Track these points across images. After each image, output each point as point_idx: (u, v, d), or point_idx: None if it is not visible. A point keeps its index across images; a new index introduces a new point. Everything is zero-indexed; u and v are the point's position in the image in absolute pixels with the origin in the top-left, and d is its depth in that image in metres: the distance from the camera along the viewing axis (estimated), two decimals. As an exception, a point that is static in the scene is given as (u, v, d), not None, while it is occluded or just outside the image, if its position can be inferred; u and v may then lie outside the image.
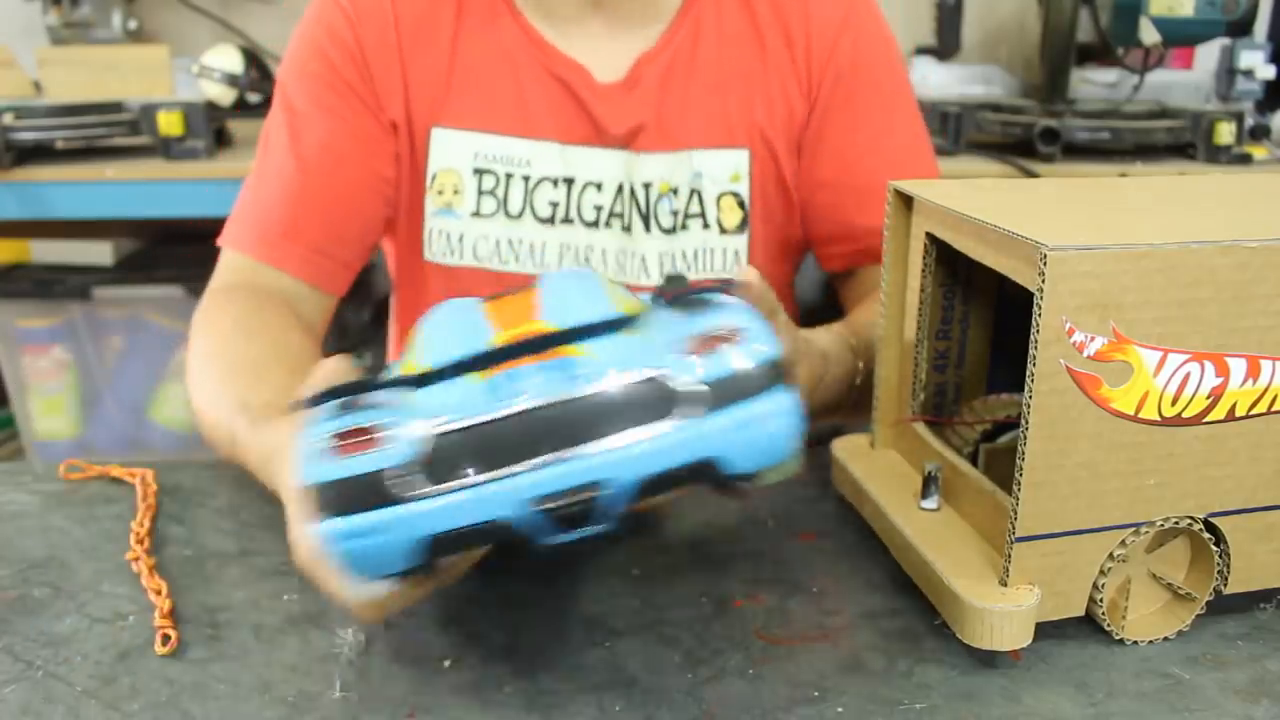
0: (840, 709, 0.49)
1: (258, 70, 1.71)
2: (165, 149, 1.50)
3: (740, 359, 0.40)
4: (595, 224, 0.88)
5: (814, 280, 1.18)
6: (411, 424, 0.39)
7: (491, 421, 0.39)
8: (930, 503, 0.60)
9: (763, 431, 0.41)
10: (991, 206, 0.55)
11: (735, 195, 0.88)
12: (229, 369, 0.70)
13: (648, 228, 0.88)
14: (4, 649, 0.53)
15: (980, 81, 1.83)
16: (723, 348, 0.41)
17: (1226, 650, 0.54)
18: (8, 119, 1.45)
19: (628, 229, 0.89)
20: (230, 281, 0.84)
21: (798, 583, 0.60)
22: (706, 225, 0.89)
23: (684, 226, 0.88)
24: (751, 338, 0.41)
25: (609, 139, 0.87)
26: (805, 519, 0.67)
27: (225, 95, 1.66)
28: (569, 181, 0.88)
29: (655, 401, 0.39)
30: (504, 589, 0.59)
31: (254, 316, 0.78)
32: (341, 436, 0.39)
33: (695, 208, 0.88)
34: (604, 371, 0.40)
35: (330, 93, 0.87)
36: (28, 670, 0.52)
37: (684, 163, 0.88)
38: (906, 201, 0.62)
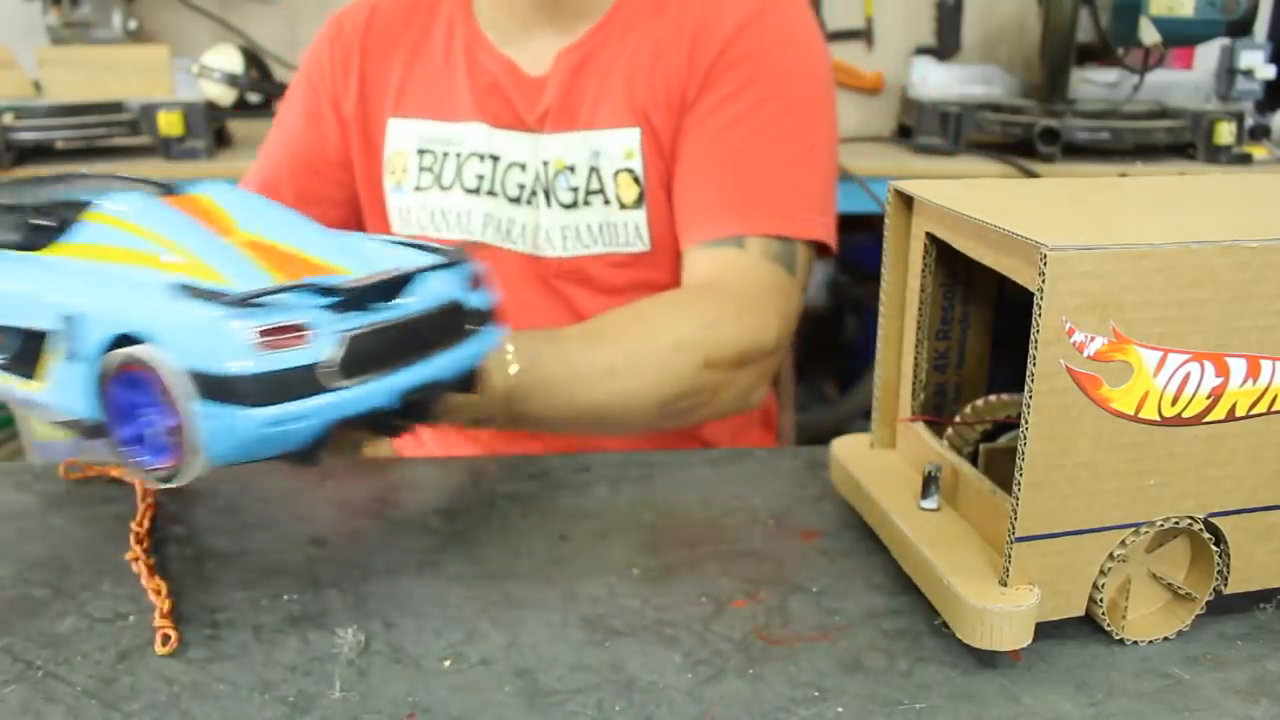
0: (840, 709, 0.49)
1: (258, 70, 1.72)
2: (165, 149, 1.51)
3: (491, 295, 0.56)
4: (518, 200, 0.98)
5: (816, 281, 1.18)
6: (326, 325, 0.46)
7: (384, 327, 0.49)
8: (930, 503, 0.60)
9: (494, 346, 0.58)
10: (991, 206, 0.55)
11: (630, 172, 0.95)
12: None
13: (549, 203, 0.97)
14: (4, 649, 0.53)
15: (980, 81, 1.84)
16: (483, 286, 0.56)
17: (1226, 650, 0.54)
18: (8, 119, 1.45)
19: (535, 206, 0.97)
20: None
21: (798, 583, 0.60)
22: (607, 201, 0.96)
23: (586, 203, 0.96)
24: (488, 283, 0.57)
25: (527, 124, 0.98)
26: (805, 519, 0.67)
27: (225, 95, 1.66)
28: (495, 158, 0.98)
29: (462, 319, 0.54)
30: (504, 589, 0.59)
31: None
32: (272, 332, 0.45)
33: (595, 185, 0.96)
34: (434, 294, 0.52)
35: (301, 101, 1.06)
36: (28, 670, 0.52)
37: (583, 142, 0.95)
38: (906, 201, 0.63)
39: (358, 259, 0.53)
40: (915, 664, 0.52)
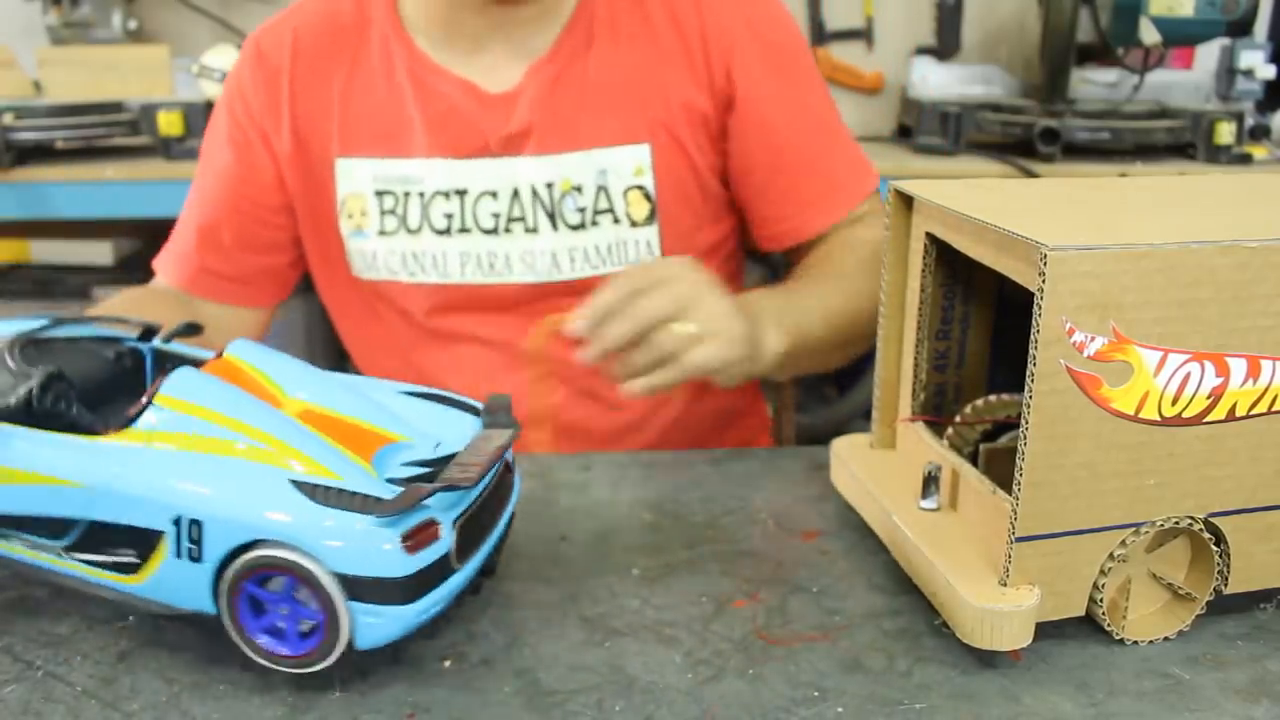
0: (840, 709, 0.49)
1: (258, 70, 1.71)
2: (165, 149, 1.51)
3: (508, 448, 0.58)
4: (495, 231, 0.93)
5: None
6: (446, 516, 0.50)
7: (480, 505, 0.53)
8: (930, 503, 0.60)
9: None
10: (991, 206, 0.55)
11: (641, 189, 0.93)
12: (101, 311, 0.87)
13: (555, 226, 0.93)
14: (4, 649, 0.53)
15: (980, 81, 1.84)
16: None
17: (1226, 650, 0.54)
18: (8, 119, 1.45)
19: (533, 230, 0.93)
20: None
21: (798, 583, 0.60)
22: (616, 220, 0.93)
23: (594, 223, 0.93)
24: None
25: (497, 148, 0.92)
26: (805, 519, 0.67)
27: (225, 95, 1.66)
28: (461, 193, 0.93)
29: (510, 474, 0.59)
30: (504, 589, 0.59)
31: (138, 293, 0.97)
32: (414, 533, 0.48)
33: (604, 204, 0.93)
34: (495, 464, 0.54)
35: (228, 138, 0.98)
36: (28, 670, 0.52)
37: (587, 162, 0.92)
38: (907, 201, 0.63)
39: (399, 420, 0.56)
40: (915, 664, 0.52)
